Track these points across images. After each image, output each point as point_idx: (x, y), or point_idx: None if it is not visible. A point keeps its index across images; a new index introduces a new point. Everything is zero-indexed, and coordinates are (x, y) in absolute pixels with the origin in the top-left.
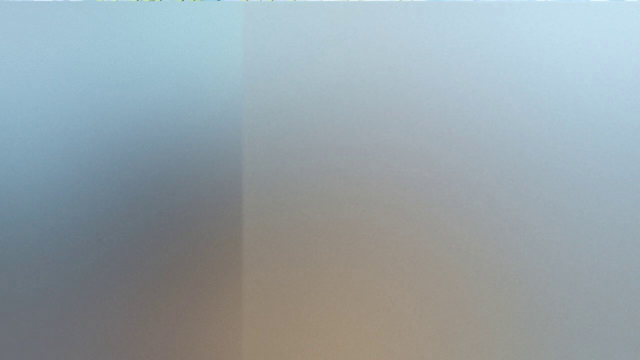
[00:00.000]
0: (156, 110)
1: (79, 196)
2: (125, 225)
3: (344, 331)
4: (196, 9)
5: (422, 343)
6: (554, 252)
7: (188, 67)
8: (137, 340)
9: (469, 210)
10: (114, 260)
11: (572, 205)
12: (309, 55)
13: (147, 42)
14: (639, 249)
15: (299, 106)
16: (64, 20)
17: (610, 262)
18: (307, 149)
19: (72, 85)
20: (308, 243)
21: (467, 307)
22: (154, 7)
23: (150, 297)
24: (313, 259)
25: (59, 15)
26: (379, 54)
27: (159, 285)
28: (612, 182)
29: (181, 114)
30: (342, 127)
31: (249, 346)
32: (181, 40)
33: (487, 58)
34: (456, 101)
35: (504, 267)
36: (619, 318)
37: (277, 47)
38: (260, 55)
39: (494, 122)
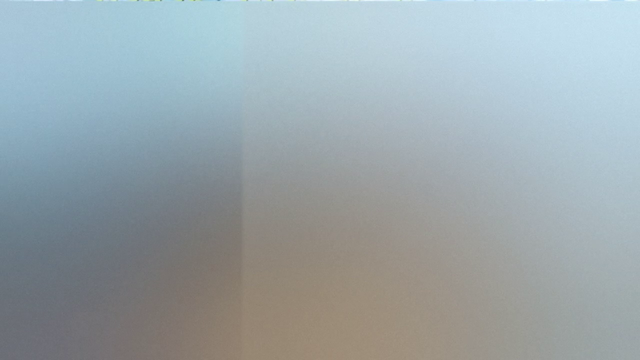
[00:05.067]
0: (156, 110)
1: (78, 195)
2: (125, 225)
3: (344, 331)
4: (196, 9)
5: (422, 342)
6: (555, 251)
7: (188, 67)
8: (137, 340)
9: (470, 209)
10: (114, 260)
11: (573, 205)
12: (309, 55)
13: (147, 42)
14: (639, 248)
15: (298, 105)
16: (64, 20)
17: (612, 262)
18: (307, 148)
19: (72, 84)
20: (308, 243)
21: (467, 307)
22: (154, 7)
23: (150, 296)
24: (313, 259)
25: (59, 15)
26: (379, 54)
27: (159, 285)
28: (612, 181)
29: (181, 114)
30: (341, 127)
31: (249, 346)
32: (181, 40)
33: (487, 58)
34: (456, 101)
35: (504, 266)
36: (620, 318)
37: (277, 47)
38: (260, 55)
39: (494, 121)
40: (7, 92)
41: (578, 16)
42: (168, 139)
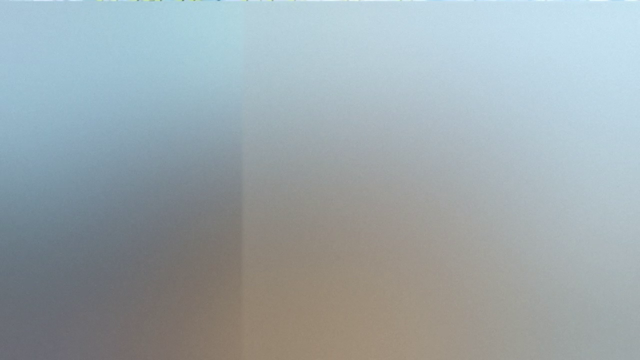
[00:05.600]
0: (156, 110)
1: (78, 195)
2: (125, 225)
3: (344, 331)
4: (196, 9)
5: (421, 342)
6: (555, 251)
7: (188, 67)
8: (137, 340)
9: (470, 209)
10: (114, 260)
11: (573, 205)
12: (309, 55)
13: (147, 42)
14: (639, 248)
15: (298, 105)
16: (64, 20)
17: (612, 262)
18: (307, 148)
19: (72, 84)
20: (308, 243)
21: (469, 307)
22: (154, 7)
23: (150, 296)
24: (313, 259)
25: (59, 15)
26: (379, 54)
27: (159, 285)
28: (612, 181)
29: (181, 114)
30: (342, 127)
31: (249, 346)
32: (181, 40)
33: (487, 58)
34: (456, 101)
35: (504, 266)
36: (620, 318)
37: (277, 47)
38: (260, 55)
39: (494, 121)
40: (7, 92)
41: (578, 16)
42: (168, 139)
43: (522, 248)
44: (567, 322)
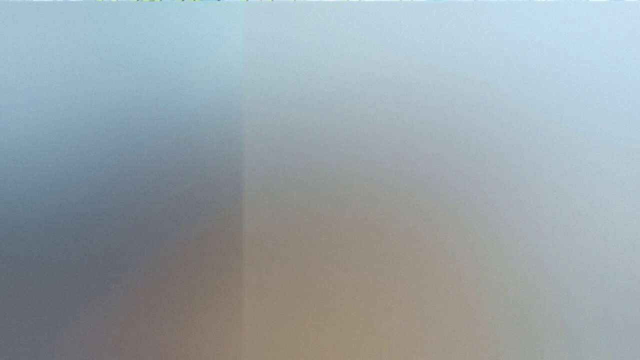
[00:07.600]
0: (156, 110)
1: (77, 196)
2: (125, 224)
3: (346, 331)
4: (196, 9)
5: (422, 343)
6: (555, 253)
7: (188, 67)
8: (137, 340)
9: (470, 210)
10: (114, 260)
11: (572, 206)
12: (309, 55)
13: (147, 42)
14: (639, 248)
15: (298, 106)
16: (64, 20)
17: (611, 262)
18: (307, 148)
19: (72, 84)
20: (309, 243)
21: (467, 307)
22: (154, 7)
23: (151, 296)
24: (314, 259)
25: (59, 15)
26: (379, 54)
27: (159, 286)
28: (612, 182)
29: (181, 114)
30: (342, 127)
31: (249, 346)
32: (181, 40)
33: (487, 58)
34: (457, 101)
35: (504, 267)
36: (619, 319)
37: (277, 47)
38: (260, 55)
39: (494, 122)
40: (7, 92)
41: (578, 16)
42: (168, 139)
43: (523, 248)
44: (568, 322)
